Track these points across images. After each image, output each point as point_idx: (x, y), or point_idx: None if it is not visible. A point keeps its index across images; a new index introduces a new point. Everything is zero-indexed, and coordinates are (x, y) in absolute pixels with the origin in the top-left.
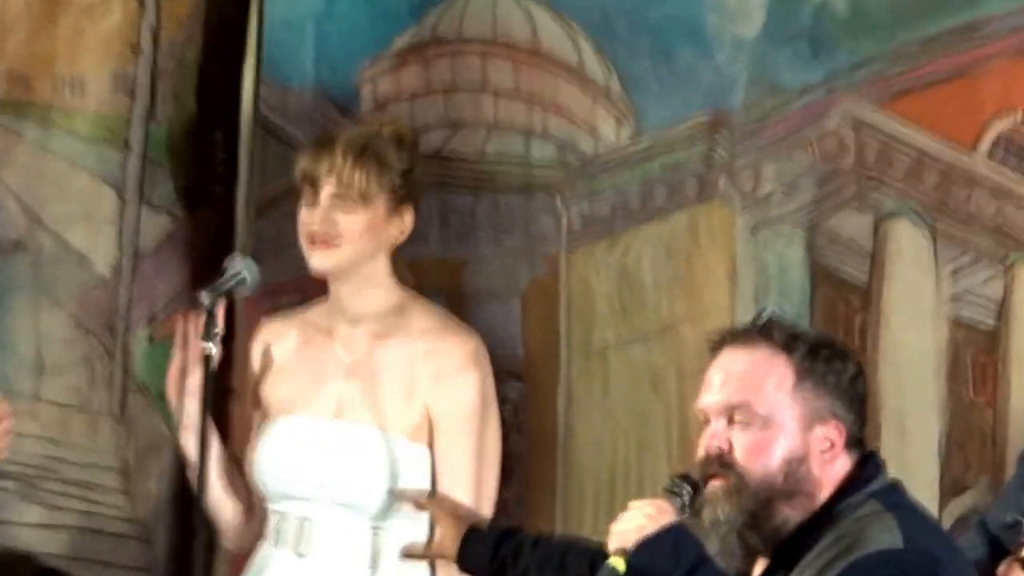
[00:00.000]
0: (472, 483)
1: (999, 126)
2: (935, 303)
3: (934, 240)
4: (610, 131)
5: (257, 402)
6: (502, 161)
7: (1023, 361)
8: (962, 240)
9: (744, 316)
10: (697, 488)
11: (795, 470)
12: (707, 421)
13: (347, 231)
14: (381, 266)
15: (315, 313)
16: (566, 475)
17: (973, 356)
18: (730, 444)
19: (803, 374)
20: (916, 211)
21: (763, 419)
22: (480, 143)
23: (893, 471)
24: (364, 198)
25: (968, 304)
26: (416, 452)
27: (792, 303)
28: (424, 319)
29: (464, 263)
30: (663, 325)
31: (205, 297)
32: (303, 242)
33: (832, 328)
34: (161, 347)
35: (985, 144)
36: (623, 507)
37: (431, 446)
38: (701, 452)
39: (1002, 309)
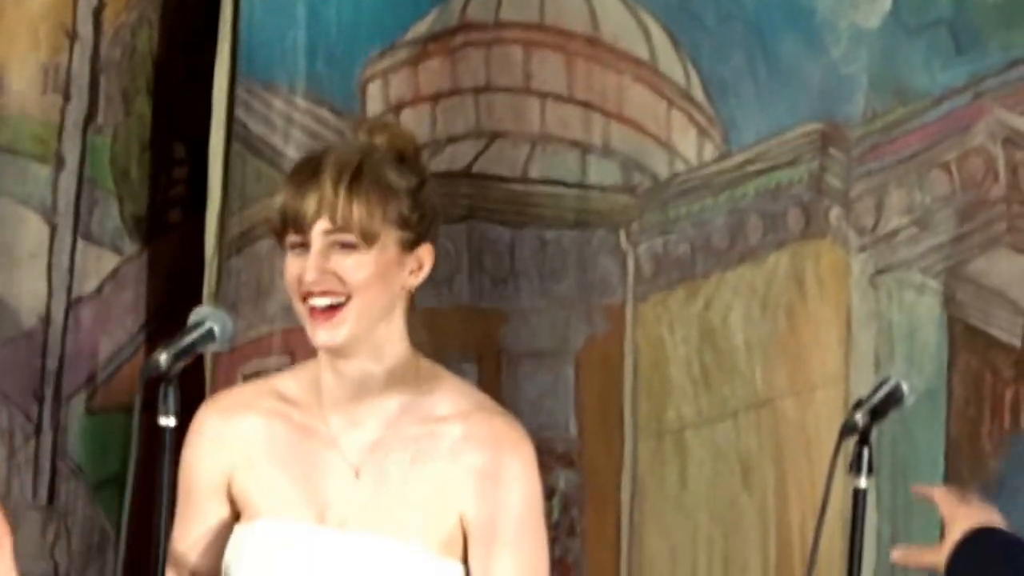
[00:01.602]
0: None
1: None
2: None
3: None
4: (690, 146)
5: (195, 506)
6: (551, 183)
7: None
8: None
9: (861, 388)
10: None
11: None
12: None
13: (352, 281)
14: (396, 327)
15: (291, 386)
16: None
17: None
18: None
19: None
20: None
21: None
22: (522, 160)
23: None
24: (367, 237)
25: None
26: (447, 570)
27: (924, 372)
28: (451, 398)
29: (501, 316)
30: (757, 400)
31: (163, 358)
32: (296, 303)
33: (976, 405)
34: (103, 419)
35: None
36: None
37: (466, 562)
38: None
39: None
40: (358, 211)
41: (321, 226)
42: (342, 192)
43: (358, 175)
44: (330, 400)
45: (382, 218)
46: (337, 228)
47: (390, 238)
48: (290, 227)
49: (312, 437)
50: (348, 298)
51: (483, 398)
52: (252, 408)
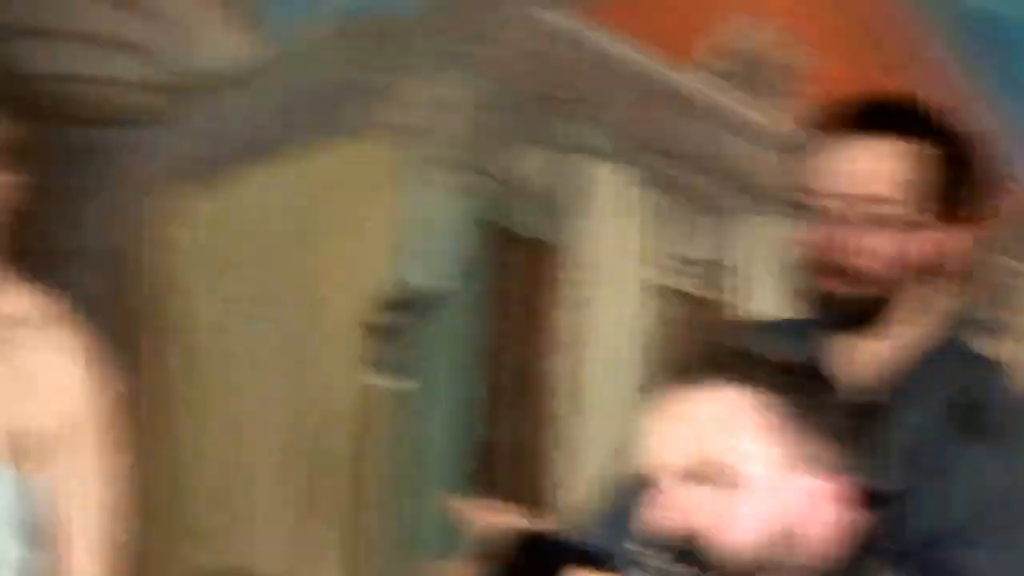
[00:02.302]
0: (104, 514)
1: (721, 34)
2: (641, 266)
3: (640, 184)
4: (223, 39)
5: None
6: (71, 79)
7: None
8: (676, 184)
9: (386, 284)
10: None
11: (788, 539)
12: (658, 486)
13: None
14: None
15: None
16: None
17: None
18: (698, 515)
19: (782, 413)
20: (615, 146)
21: (742, 478)
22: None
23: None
24: None
25: (685, 269)
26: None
27: (452, 268)
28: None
29: None
30: (280, 296)
31: None
32: None
33: (506, 300)
34: None
35: (702, 57)
36: None
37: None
38: (651, 527)
39: (726, 274)
40: None
41: None
42: None
43: None
44: None
45: None
46: None
47: None
48: None
49: None
50: None
51: (47, 302)
52: None
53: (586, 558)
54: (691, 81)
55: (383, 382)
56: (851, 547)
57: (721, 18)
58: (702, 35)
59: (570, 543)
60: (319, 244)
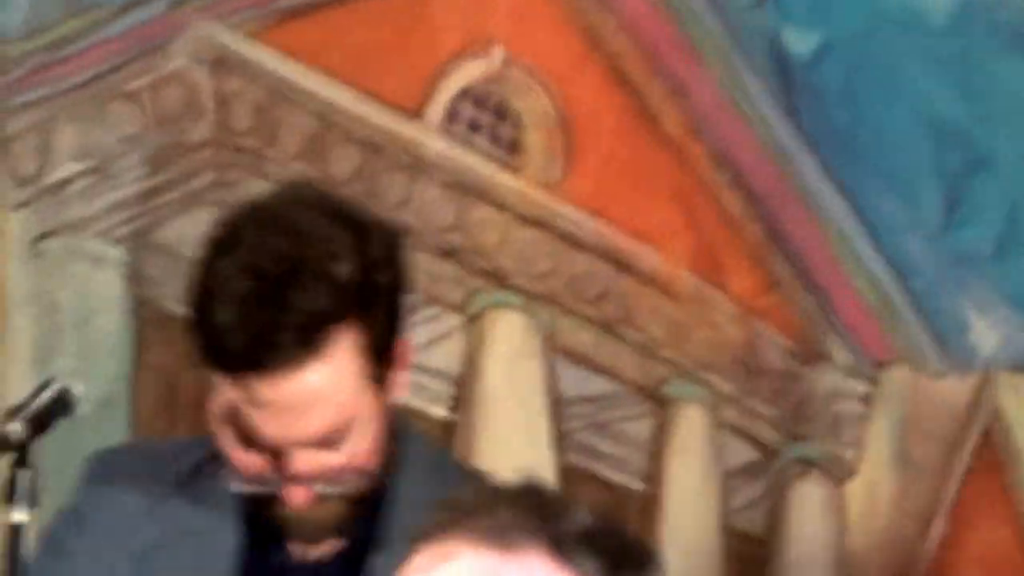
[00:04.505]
0: None
1: (464, 73)
2: None
3: None
4: None
5: None
6: None
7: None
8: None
9: (20, 387)
10: None
11: None
12: None
13: None
14: None
15: None
16: None
17: None
18: None
19: None
20: None
21: None
22: None
23: None
24: None
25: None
26: None
27: (102, 364)
28: None
29: None
30: None
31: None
32: None
33: (171, 410)
34: None
35: (440, 104)
36: None
37: None
38: None
39: (463, 383)
40: None
41: None
42: None
43: None
44: None
45: None
46: None
47: None
48: None
49: None
50: None
51: None
52: None
53: None
54: (428, 135)
55: (11, 515)
56: None
57: (475, 47)
58: (446, 73)
59: None
60: None
